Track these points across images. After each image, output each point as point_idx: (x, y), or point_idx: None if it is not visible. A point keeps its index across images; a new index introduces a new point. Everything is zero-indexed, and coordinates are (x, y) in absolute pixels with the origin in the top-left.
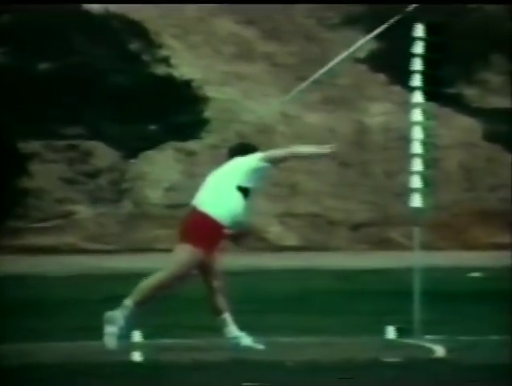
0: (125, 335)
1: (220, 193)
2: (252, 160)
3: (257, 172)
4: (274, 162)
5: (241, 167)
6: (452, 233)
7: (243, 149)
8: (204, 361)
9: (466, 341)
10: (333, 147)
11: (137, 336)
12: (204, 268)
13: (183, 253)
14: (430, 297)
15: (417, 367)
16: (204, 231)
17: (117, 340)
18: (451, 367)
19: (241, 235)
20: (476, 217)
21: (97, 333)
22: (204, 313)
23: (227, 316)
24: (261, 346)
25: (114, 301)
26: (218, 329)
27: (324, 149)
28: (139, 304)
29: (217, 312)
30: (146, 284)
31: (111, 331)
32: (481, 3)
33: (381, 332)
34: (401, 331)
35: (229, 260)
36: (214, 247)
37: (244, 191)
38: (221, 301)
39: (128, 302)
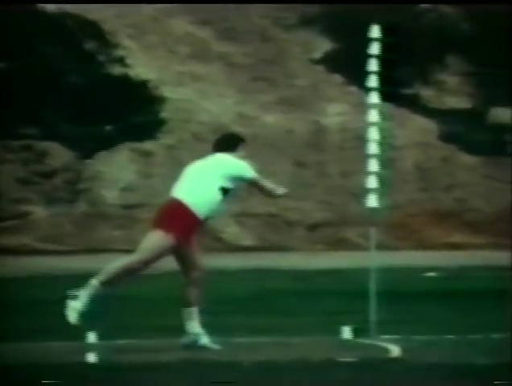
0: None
1: (201, 186)
2: (240, 169)
3: (239, 180)
4: (255, 186)
5: (226, 168)
6: (408, 233)
7: (229, 140)
8: (159, 362)
9: (421, 340)
10: (285, 192)
11: (92, 337)
12: (182, 259)
13: (154, 238)
14: (386, 297)
15: (372, 366)
16: (177, 218)
17: (79, 317)
18: (406, 366)
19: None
20: (432, 217)
21: (53, 334)
22: (158, 313)
23: (194, 310)
24: (217, 347)
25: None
26: (173, 329)
27: (280, 190)
28: (105, 284)
29: (186, 303)
30: (113, 265)
31: (74, 306)
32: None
33: (337, 332)
34: (356, 331)
35: None
36: (187, 236)
37: (224, 191)
38: (194, 294)
39: (94, 282)
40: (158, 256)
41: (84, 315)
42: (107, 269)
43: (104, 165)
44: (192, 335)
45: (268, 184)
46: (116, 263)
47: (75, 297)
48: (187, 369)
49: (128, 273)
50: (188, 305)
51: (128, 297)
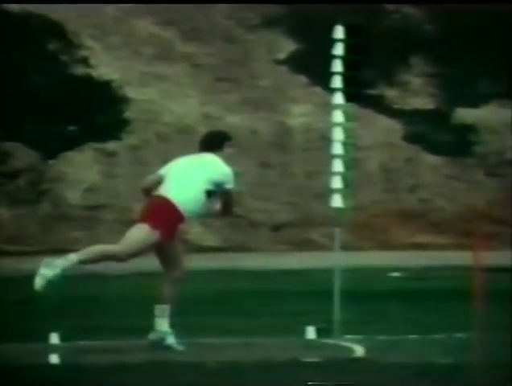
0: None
1: (188, 186)
2: (225, 176)
3: (220, 187)
4: (223, 197)
5: (213, 173)
6: (372, 233)
7: (214, 139)
8: (122, 363)
9: (385, 340)
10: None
11: (54, 338)
12: (165, 257)
13: (138, 231)
14: (350, 297)
15: (336, 366)
16: (163, 213)
17: (45, 285)
18: (370, 366)
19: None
20: (396, 217)
21: (14, 335)
22: (122, 314)
23: (167, 308)
24: (181, 347)
25: (33, 303)
26: (137, 330)
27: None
28: (82, 262)
29: (160, 300)
30: (97, 248)
31: (44, 273)
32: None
33: (301, 332)
34: (321, 331)
35: (149, 261)
36: (172, 233)
37: (208, 193)
38: (170, 292)
39: (72, 256)
40: (142, 250)
41: (50, 284)
42: (89, 250)
43: (67, 165)
44: (160, 333)
45: (233, 202)
46: (99, 247)
47: (48, 265)
48: (151, 370)
49: (107, 260)
50: (161, 302)
51: (90, 298)
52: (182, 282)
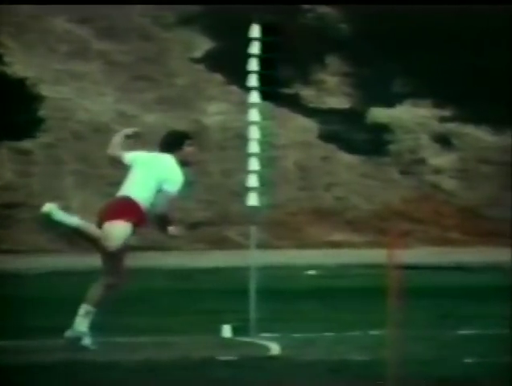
0: None
1: (146, 185)
2: (172, 179)
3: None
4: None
5: (165, 174)
6: (288, 231)
7: (173, 139)
8: (37, 363)
9: (301, 338)
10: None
11: None
12: (109, 260)
13: (118, 227)
14: (266, 295)
15: (252, 364)
16: (131, 209)
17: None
18: (286, 364)
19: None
20: (312, 215)
21: None
22: (40, 314)
23: (91, 311)
24: (93, 347)
25: None
26: (51, 330)
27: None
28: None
29: (87, 300)
30: (94, 231)
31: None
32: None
33: (218, 331)
34: (237, 329)
35: (67, 260)
36: (139, 226)
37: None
38: (97, 293)
39: (74, 220)
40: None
41: None
42: (88, 226)
43: None
44: (77, 332)
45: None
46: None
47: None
48: (66, 370)
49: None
50: (89, 303)
51: (12, 297)
52: (114, 290)
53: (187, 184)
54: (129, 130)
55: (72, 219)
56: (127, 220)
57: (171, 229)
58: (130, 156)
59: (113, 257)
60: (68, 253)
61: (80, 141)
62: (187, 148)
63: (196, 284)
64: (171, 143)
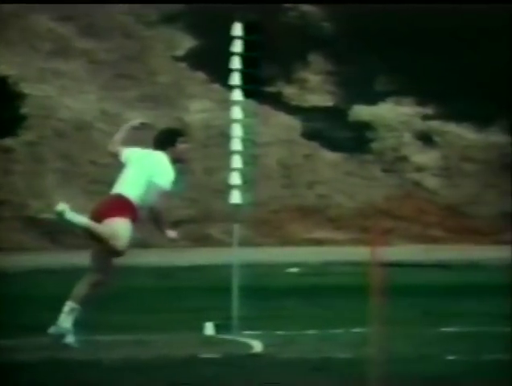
0: None
1: (137, 183)
2: (163, 176)
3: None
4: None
5: (157, 172)
6: (271, 229)
7: (166, 136)
8: (19, 361)
9: (284, 336)
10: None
11: None
12: (98, 257)
13: (121, 225)
14: (248, 293)
15: (235, 362)
16: (125, 206)
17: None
18: (268, 362)
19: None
20: (295, 213)
21: None
22: (24, 312)
23: (76, 308)
24: (76, 345)
25: None
26: (38, 328)
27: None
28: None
29: (73, 298)
30: (102, 231)
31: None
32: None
33: (200, 328)
34: (219, 327)
35: (47, 258)
36: (134, 223)
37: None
38: (83, 291)
39: (83, 220)
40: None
41: None
42: (96, 226)
43: None
44: (61, 329)
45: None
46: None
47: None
48: (48, 368)
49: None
50: (74, 300)
51: None
52: (101, 288)
53: (179, 181)
54: (135, 122)
55: (82, 220)
56: (125, 217)
57: (170, 233)
58: (125, 153)
59: (115, 256)
60: (52, 251)
61: (62, 139)
62: (180, 145)
63: (179, 282)
64: (164, 140)
